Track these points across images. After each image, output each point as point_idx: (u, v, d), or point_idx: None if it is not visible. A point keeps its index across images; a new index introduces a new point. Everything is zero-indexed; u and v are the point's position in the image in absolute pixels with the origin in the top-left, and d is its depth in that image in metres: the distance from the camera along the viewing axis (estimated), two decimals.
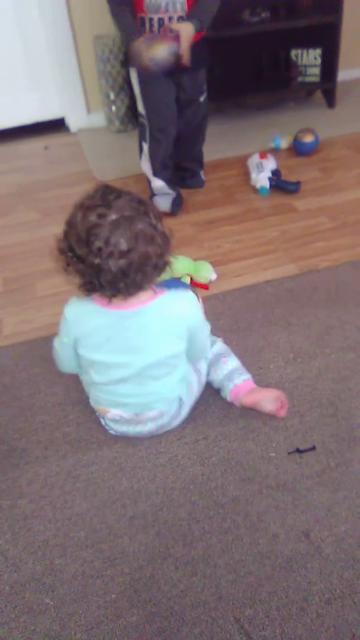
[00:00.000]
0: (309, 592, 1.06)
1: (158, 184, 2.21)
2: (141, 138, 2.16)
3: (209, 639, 1.01)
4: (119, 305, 1.09)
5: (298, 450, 1.30)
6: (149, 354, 1.17)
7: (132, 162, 2.66)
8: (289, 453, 1.30)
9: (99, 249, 0.97)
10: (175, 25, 1.82)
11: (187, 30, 1.81)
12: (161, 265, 1.05)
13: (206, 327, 1.29)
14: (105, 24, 2.76)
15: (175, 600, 1.06)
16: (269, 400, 1.36)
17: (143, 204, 1.01)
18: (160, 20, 1.88)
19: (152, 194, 2.23)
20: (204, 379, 1.41)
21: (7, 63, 2.84)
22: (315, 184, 2.38)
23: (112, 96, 2.87)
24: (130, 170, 2.58)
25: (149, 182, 2.24)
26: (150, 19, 1.89)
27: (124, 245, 0.97)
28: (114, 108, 2.92)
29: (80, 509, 1.23)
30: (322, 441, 1.32)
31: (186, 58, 1.84)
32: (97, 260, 0.98)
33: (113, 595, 1.08)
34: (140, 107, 2.08)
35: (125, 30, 1.92)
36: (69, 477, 1.29)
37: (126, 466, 1.31)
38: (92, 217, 0.97)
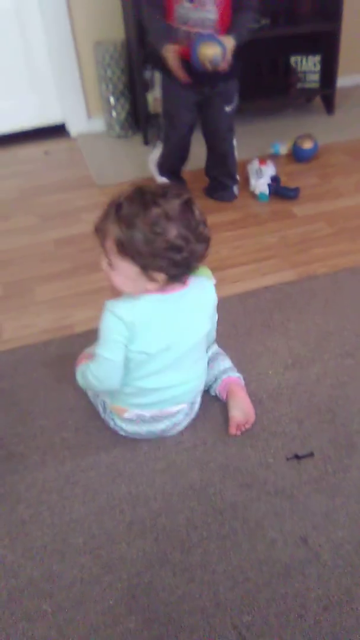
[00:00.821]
0: (307, 599, 1.06)
1: (161, 180, 2.31)
2: (159, 136, 2.26)
3: None
4: (172, 289, 1.13)
5: (296, 457, 1.30)
6: (195, 332, 1.22)
7: (132, 167, 2.67)
8: (287, 459, 1.30)
9: (200, 233, 1.05)
10: (222, 38, 1.84)
11: (229, 43, 1.86)
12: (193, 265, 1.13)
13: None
14: (106, 30, 2.78)
15: (173, 606, 1.06)
16: (241, 408, 1.38)
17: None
18: (186, 33, 1.88)
19: None
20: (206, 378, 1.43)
21: (8, 68, 2.85)
22: (314, 190, 2.39)
23: (112, 102, 2.89)
24: (130, 176, 2.58)
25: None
26: (177, 30, 1.90)
27: (206, 230, 1.08)
28: (114, 113, 2.93)
29: (78, 515, 1.23)
30: (320, 447, 1.32)
31: (225, 67, 1.89)
32: (170, 255, 1.03)
33: (111, 602, 1.08)
34: (161, 109, 2.16)
35: (158, 33, 1.93)
36: (67, 482, 1.29)
37: (124, 472, 1.31)
38: (150, 218, 1.00)
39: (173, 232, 1.01)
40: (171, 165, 2.29)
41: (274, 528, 1.17)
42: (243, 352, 1.59)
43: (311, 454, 1.31)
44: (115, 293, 1.15)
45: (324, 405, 1.42)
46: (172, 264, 1.04)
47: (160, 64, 2.01)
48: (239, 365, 1.51)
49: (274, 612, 1.04)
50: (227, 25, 1.90)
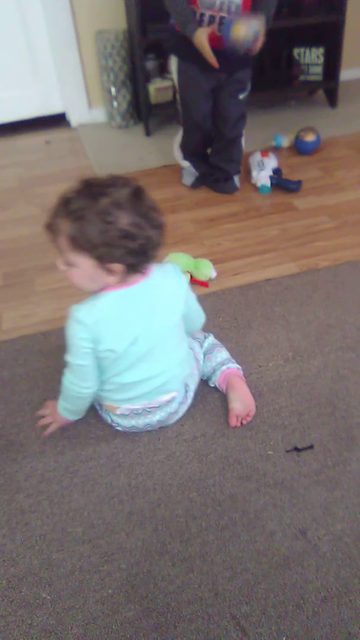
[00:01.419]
0: (306, 590, 1.06)
1: (184, 164, 2.35)
2: (179, 122, 2.27)
3: (205, 635, 1.01)
4: (133, 281, 1.12)
5: (296, 449, 1.30)
6: (164, 320, 1.20)
7: (133, 157, 2.66)
8: (287, 451, 1.30)
9: (153, 219, 1.04)
10: (252, 18, 1.83)
11: (260, 23, 1.85)
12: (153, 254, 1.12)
13: (192, 294, 1.32)
14: (108, 19, 2.76)
15: (171, 596, 1.07)
16: (242, 400, 1.38)
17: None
18: (211, 18, 1.87)
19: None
20: (201, 367, 1.43)
21: (9, 57, 2.83)
22: (316, 183, 2.38)
23: (113, 92, 2.87)
24: (130, 167, 2.58)
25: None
26: (202, 15, 1.88)
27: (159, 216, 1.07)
28: (115, 104, 2.91)
29: (77, 504, 1.23)
30: (320, 440, 1.32)
31: (256, 48, 1.91)
32: (152, 233, 1.04)
33: (110, 591, 1.08)
34: (178, 95, 2.16)
35: (183, 17, 1.90)
36: (66, 472, 1.29)
37: (124, 462, 1.31)
38: (140, 201, 1.03)
39: (125, 219, 1.00)
40: (194, 148, 2.29)
41: (273, 520, 1.18)
42: (244, 345, 1.58)
43: (311, 447, 1.31)
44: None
45: (324, 398, 1.42)
46: (128, 253, 1.03)
47: (179, 49, 2.00)
48: (239, 357, 1.51)
49: (272, 603, 1.05)
50: (250, 9, 1.88)
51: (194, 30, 1.88)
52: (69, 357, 1.18)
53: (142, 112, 2.87)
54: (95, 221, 0.99)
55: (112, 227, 0.99)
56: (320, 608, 1.04)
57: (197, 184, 2.39)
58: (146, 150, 2.73)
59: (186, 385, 1.35)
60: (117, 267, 1.05)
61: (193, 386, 1.39)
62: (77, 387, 1.22)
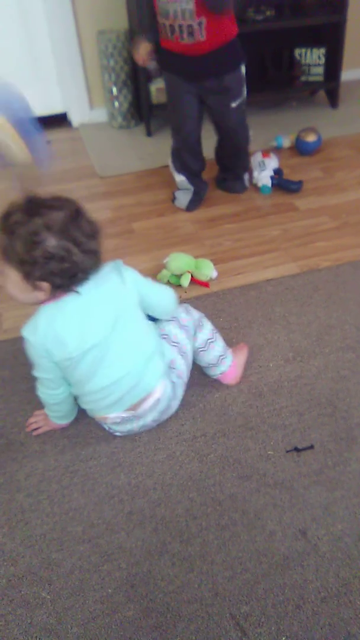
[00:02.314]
0: (305, 590, 1.06)
1: (179, 178, 2.25)
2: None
3: (205, 635, 1.01)
4: (65, 294, 1.13)
5: (296, 449, 1.31)
6: (111, 318, 1.18)
7: (134, 158, 2.66)
8: (287, 451, 1.30)
9: (84, 245, 1.06)
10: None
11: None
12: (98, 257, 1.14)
13: (149, 280, 1.29)
14: (109, 19, 2.77)
15: (171, 596, 1.07)
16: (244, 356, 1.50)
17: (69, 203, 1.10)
18: (172, 27, 1.85)
19: (177, 189, 2.31)
20: (190, 360, 1.38)
21: (10, 57, 2.82)
22: (317, 183, 2.38)
23: (115, 92, 2.87)
24: (131, 167, 2.58)
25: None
26: (163, 25, 1.87)
27: (52, 241, 1.04)
28: (116, 104, 2.91)
29: (77, 504, 1.23)
30: (320, 440, 1.32)
31: None
32: (81, 258, 1.06)
33: (109, 590, 1.08)
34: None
35: (142, 25, 2.00)
36: (66, 471, 1.30)
37: (124, 462, 1.31)
38: (74, 225, 1.06)
39: (52, 242, 1.03)
40: (184, 160, 2.19)
41: (273, 520, 1.18)
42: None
43: (311, 447, 1.31)
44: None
45: (325, 398, 1.42)
46: (54, 274, 1.06)
47: (160, 59, 2.01)
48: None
49: (272, 603, 1.05)
50: (206, 12, 1.79)
51: (140, 40, 1.97)
52: (35, 372, 1.25)
53: (143, 113, 2.87)
54: (23, 238, 1.03)
55: (38, 247, 1.03)
56: (320, 608, 1.04)
57: (193, 206, 2.25)
58: (147, 151, 2.73)
59: (172, 382, 1.32)
60: (44, 284, 1.08)
61: (182, 380, 1.35)
62: (51, 395, 1.28)
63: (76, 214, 1.07)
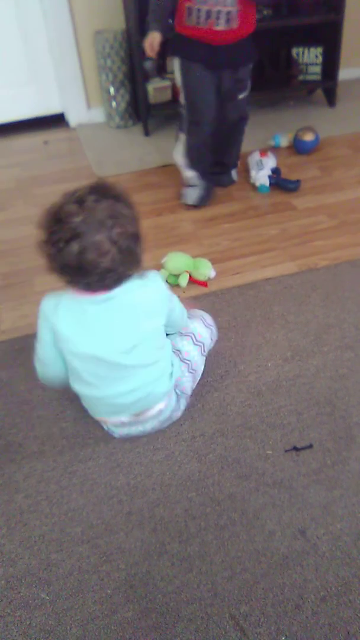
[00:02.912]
0: (305, 590, 1.06)
1: (188, 174, 2.22)
2: (179, 128, 2.15)
3: (204, 635, 1.01)
4: (95, 292, 1.10)
5: (295, 448, 1.30)
6: (127, 339, 1.15)
7: (131, 158, 2.66)
8: (286, 451, 1.30)
9: (55, 242, 1.01)
10: None
11: None
12: (115, 277, 1.07)
13: (175, 297, 1.28)
14: (106, 19, 2.76)
15: (170, 596, 1.07)
16: None
17: (115, 217, 1.02)
18: (208, 13, 1.84)
19: (185, 185, 2.26)
20: (196, 367, 1.37)
21: (7, 57, 2.82)
22: (315, 182, 2.38)
23: (112, 92, 2.86)
24: (129, 166, 2.58)
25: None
26: (198, 10, 1.85)
27: (74, 247, 1.00)
28: (114, 104, 2.91)
29: (76, 505, 1.23)
30: (319, 439, 1.32)
31: None
32: (50, 250, 1.03)
33: (109, 591, 1.08)
34: (181, 97, 2.08)
35: (153, 13, 1.93)
36: (65, 472, 1.29)
37: (123, 462, 1.31)
38: (62, 212, 1.01)
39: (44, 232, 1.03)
40: (203, 156, 2.15)
41: (272, 519, 1.17)
42: (242, 344, 1.58)
43: (310, 446, 1.31)
44: None
45: (323, 397, 1.42)
46: (64, 269, 1.05)
47: (181, 49, 1.97)
48: (238, 357, 1.51)
49: (271, 603, 1.05)
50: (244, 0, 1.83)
51: (150, 29, 1.93)
52: (37, 333, 1.21)
53: (140, 112, 2.87)
54: (52, 222, 1.02)
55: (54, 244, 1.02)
56: (320, 607, 1.04)
57: (203, 201, 2.23)
58: (145, 150, 2.73)
59: (177, 395, 1.32)
60: (54, 269, 1.06)
61: (186, 394, 1.35)
62: (39, 366, 1.25)
63: (63, 210, 1.03)
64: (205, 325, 1.40)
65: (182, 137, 2.15)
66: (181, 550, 1.13)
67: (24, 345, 1.63)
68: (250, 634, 1.01)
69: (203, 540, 1.15)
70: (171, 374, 1.29)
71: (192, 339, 1.36)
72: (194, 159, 2.17)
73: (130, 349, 1.16)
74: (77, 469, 1.30)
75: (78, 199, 1.01)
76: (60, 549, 1.15)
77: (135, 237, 1.07)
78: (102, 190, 1.04)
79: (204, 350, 1.40)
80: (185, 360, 1.34)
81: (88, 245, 0.99)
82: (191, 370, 1.36)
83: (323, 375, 1.48)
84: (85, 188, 1.03)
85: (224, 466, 1.28)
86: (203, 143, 2.14)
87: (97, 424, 1.37)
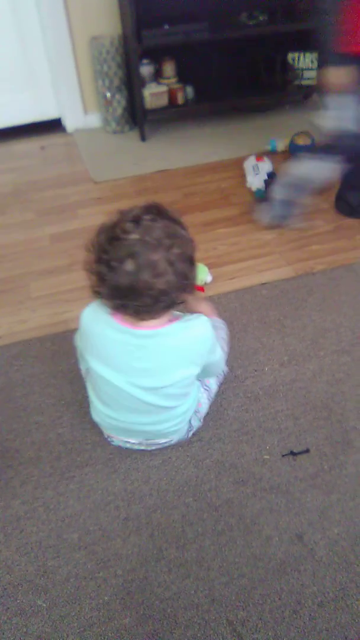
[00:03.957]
0: (302, 595, 1.06)
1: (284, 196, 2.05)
2: (331, 154, 1.88)
3: None
4: (133, 325, 1.06)
5: (292, 453, 1.30)
6: (159, 377, 1.12)
7: (128, 163, 2.66)
8: (283, 456, 1.30)
9: (108, 260, 0.96)
10: None
11: None
12: (167, 301, 1.01)
13: (218, 347, 1.24)
14: (102, 25, 2.77)
15: (168, 602, 1.06)
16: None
17: (173, 238, 0.98)
18: None
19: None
20: (213, 393, 1.38)
21: (4, 63, 2.82)
22: None
23: (108, 97, 2.87)
24: (125, 172, 2.58)
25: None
26: None
27: (129, 266, 0.95)
28: (110, 109, 2.91)
29: (73, 511, 1.22)
30: (316, 444, 1.32)
31: None
32: (102, 269, 0.97)
33: (106, 597, 1.08)
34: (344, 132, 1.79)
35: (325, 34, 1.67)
36: (62, 478, 1.29)
37: (120, 468, 1.30)
38: (117, 229, 0.96)
39: (108, 260, 0.96)
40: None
41: (270, 524, 1.17)
42: (239, 349, 1.58)
43: (307, 451, 1.31)
44: None
45: (320, 402, 1.42)
46: (109, 287, 0.99)
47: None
48: (235, 361, 1.51)
49: (268, 608, 1.04)
50: None
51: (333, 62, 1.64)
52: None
53: (137, 117, 2.87)
54: (107, 240, 0.97)
55: (96, 250, 0.98)
56: (317, 613, 1.03)
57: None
58: (141, 156, 2.73)
59: (189, 425, 1.30)
60: (101, 289, 1.01)
61: (197, 425, 1.34)
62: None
63: (114, 234, 0.97)
64: (225, 352, 1.35)
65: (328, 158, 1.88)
66: (178, 556, 1.13)
67: (20, 351, 1.63)
68: None
69: (200, 545, 1.14)
70: (189, 415, 1.28)
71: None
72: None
73: (154, 389, 1.13)
74: (74, 475, 1.30)
75: (134, 218, 0.96)
76: (57, 555, 1.15)
77: (191, 261, 1.02)
78: (157, 210, 1.00)
79: (219, 377, 1.41)
80: (205, 388, 1.35)
81: (144, 265, 0.94)
82: (209, 398, 1.37)
83: (320, 379, 1.48)
84: (140, 208, 0.99)
85: (221, 471, 1.28)
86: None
87: (94, 430, 1.37)
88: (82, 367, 1.37)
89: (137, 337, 1.06)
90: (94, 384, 1.21)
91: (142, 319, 1.04)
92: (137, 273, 0.94)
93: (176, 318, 1.10)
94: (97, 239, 0.99)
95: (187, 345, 1.11)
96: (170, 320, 1.08)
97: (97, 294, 1.02)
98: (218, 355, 1.24)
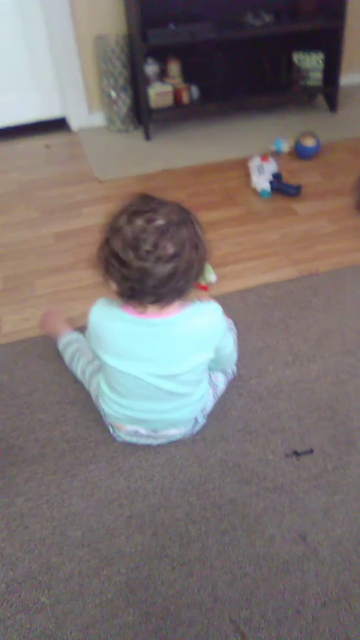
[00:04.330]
0: (305, 595, 1.06)
1: None
2: None
3: (204, 639, 1.01)
4: (145, 315, 1.06)
5: (296, 453, 1.30)
6: (177, 365, 1.14)
7: (133, 162, 2.67)
8: (286, 456, 1.30)
9: (147, 252, 0.96)
10: None
11: None
12: (201, 273, 1.05)
13: (231, 336, 1.25)
14: (107, 24, 2.77)
15: (171, 600, 1.06)
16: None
17: (187, 212, 1.02)
18: None
19: None
20: (220, 392, 1.39)
21: (9, 62, 2.83)
22: (316, 187, 2.38)
23: (113, 96, 2.87)
24: (130, 171, 2.58)
25: None
26: None
27: (171, 249, 0.96)
28: (115, 108, 2.91)
29: (77, 508, 1.23)
30: (319, 444, 1.32)
31: None
32: (145, 264, 0.96)
33: (109, 595, 1.08)
34: None
35: None
36: (66, 475, 1.29)
37: (124, 466, 1.31)
38: (140, 222, 0.96)
39: (118, 244, 0.97)
40: None
41: (273, 524, 1.17)
42: (243, 349, 1.58)
43: (310, 451, 1.31)
44: None
45: (324, 402, 1.42)
46: (120, 276, 1.00)
47: None
48: (239, 361, 1.50)
49: (271, 608, 1.05)
50: None
51: None
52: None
53: (142, 117, 2.87)
54: (106, 230, 1.00)
55: (107, 245, 1.00)
56: (320, 613, 1.03)
57: None
58: (146, 155, 2.74)
59: (196, 420, 1.32)
60: (112, 284, 1.03)
61: (202, 420, 1.35)
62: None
63: (158, 226, 0.98)
64: (235, 350, 1.36)
65: None
66: (182, 554, 1.13)
67: (25, 349, 1.63)
68: (250, 639, 1.00)
69: (204, 544, 1.15)
70: (203, 397, 1.29)
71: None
72: None
73: (172, 376, 1.15)
74: (77, 472, 1.30)
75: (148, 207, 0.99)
76: (60, 552, 1.15)
77: (202, 251, 1.04)
78: (165, 202, 1.03)
79: (228, 376, 1.43)
80: (212, 385, 1.36)
81: (157, 246, 0.95)
82: (215, 396, 1.37)
83: (324, 380, 1.48)
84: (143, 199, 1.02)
85: (225, 470, 1.28)
86: None
87: (98, 427, 1.37)
88: (78, 368, 1.42)
89: (150, 325, 1.07)
90: (109, 378, 1.22)
91: (161, 307, 1.06)
92: (180, 254, 0.97)
93: (187, 305, 1.12)
94: (115, 243, 0.98)
95: (200, 331, 1.13)
96: (182, 307, 1.10)
97: (131, 296, 1.03)
98: (231, 345, 1.27)
